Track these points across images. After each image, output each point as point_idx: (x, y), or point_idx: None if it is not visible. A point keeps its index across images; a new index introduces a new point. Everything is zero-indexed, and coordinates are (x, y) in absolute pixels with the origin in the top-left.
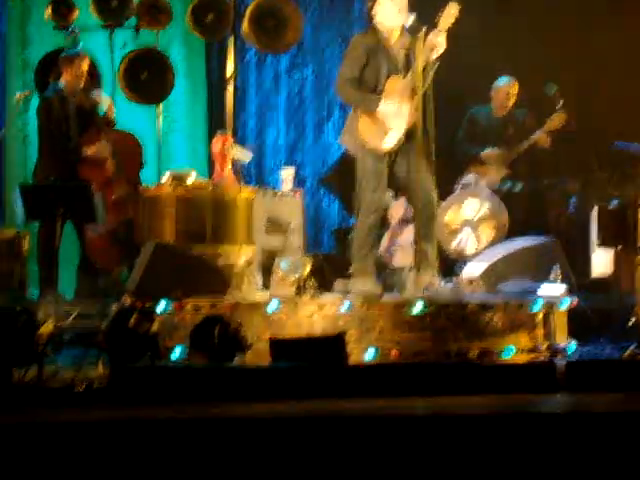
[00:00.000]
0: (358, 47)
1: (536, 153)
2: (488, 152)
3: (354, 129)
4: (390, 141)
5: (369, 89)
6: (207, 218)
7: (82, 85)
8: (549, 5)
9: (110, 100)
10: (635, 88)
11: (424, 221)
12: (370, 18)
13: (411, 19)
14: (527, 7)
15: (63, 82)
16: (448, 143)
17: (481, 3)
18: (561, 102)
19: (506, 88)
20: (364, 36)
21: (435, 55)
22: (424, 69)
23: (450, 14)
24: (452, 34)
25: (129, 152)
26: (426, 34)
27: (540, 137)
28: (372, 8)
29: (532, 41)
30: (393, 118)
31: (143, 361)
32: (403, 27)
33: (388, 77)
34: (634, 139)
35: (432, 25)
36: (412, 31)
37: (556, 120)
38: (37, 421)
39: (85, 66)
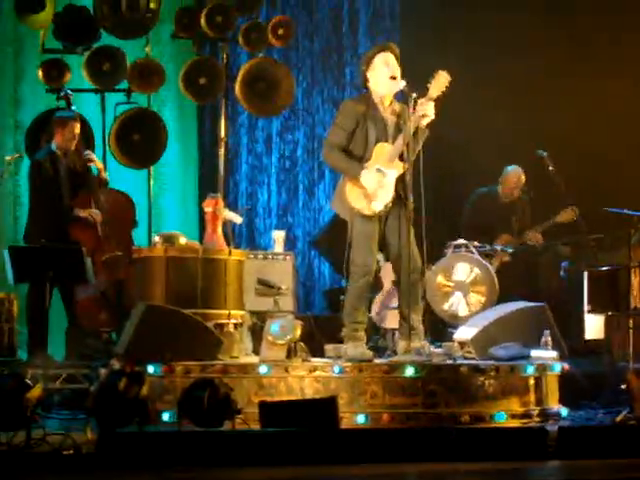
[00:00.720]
0: (347, 113)
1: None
2: (505, 239)
3: (343, 193)
4: (377, 205)
5: (358, 154)
6: (197, 281)
7: (74, 146)
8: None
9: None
10: (624, 152)
11: (409, 287)
12: (364, 83)
13: (403, 84)
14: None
15: (55, 144)
16: (436, 207)
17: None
18: (551, 167)
19: (514, 177)
20: (354, 101)
21: (425, 123)
22: (414, 136)
23: (440, 83)
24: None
25: (122, 212)
26: (415, 101)
27: (533, 236)
28: (366, 72)
29: (516, 106)
30: (378, 184)
31: (132, 425)
32: (396, 97)
33: (376, 143)
34: (623, 203)
35: (422, 93)
36: (403, 97)
37: (567, 215)
38: None
39: (77, 129)
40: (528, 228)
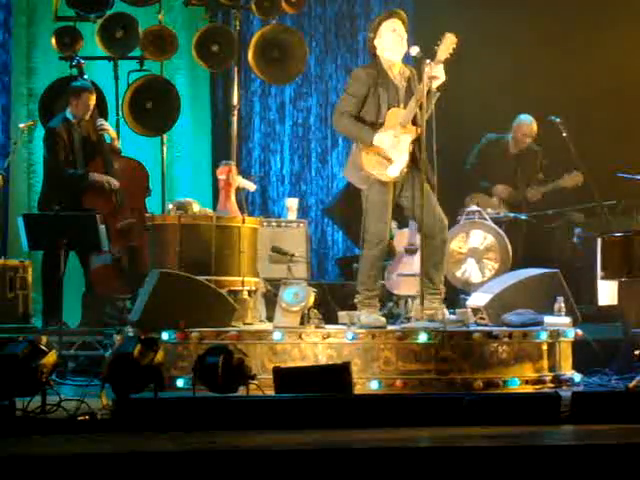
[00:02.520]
0: (357, 80)
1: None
2: (500, 189)
3: (357, 162)
4: (394, 170)
5: (370, 121)
6: (211, 248)
7: (88, 115)
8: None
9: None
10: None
11: (436, 248)
12: (372, 51)
13: (416, 51)
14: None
15: (70, 112)
16: (453, 168)
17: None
18: (564, 133)
19: (526, 127)
20: (365, 69)
21: (435, 85)
22: (426, 99)
23: (447, 45)
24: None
25: (135, 179)
26: (429, 66)
27: (533, 194)
28: (373, 40)
29: (532, 73)
30: (392, 149)
31: (146, 392)
32: (406, 60)
33: (389, 109)
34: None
35: (431, 56)
36: (416, 63)
37: (571, 180)
38: (39, 453)
39: (92, 100)
40: (535, 183)
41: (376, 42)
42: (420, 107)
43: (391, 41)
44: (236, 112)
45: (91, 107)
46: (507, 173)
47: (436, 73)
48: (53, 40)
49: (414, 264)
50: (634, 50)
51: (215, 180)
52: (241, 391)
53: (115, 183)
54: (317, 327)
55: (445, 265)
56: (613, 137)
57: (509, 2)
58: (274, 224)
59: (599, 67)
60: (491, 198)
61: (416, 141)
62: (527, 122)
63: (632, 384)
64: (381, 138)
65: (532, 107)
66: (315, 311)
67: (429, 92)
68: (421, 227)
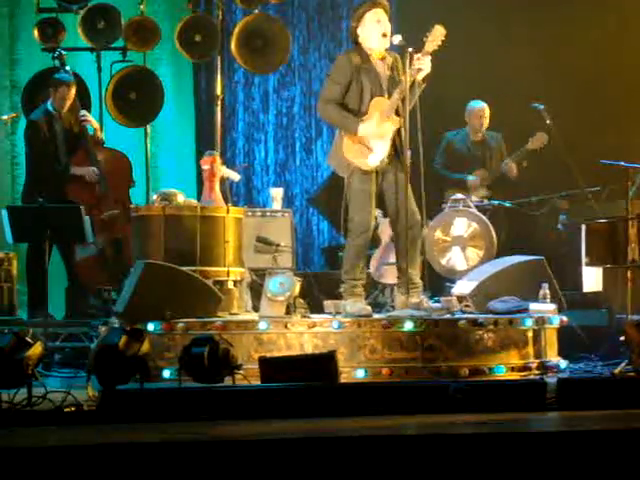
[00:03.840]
0: (341, 67)
1: (523, 172)
2: (472, 180)
3: (339, 149)
4: (374, 159)
5: (353, 109)
6: (196, 238)
7: (67, 108)
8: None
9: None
10: (622, 104)
11: (408, 243)
12: (354, 39)
13: (398, 39)
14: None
15: (51, 104)
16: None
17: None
18: (548, 120)
19: (479, 111)
20: (348, 56)
21: (421, 77)
22: (410, 90)
23: (436, 37)
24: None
25: (118, 170)
26: (412, 56)
27: (508, 167)
28: (356, 29)
29: (514, 59)
30: (375, 139)
31: (132, 383)
32: (388, 48)
33: (372, 97)
34: (620, 156)
35: (418, 47)
36: (399, 52)
37: (537, 141)
38: (26, 445)
39: (71, 92)
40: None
41: (359, 31)
42: (403, 98)
43: (375, 31)
44: (220, 102)
45: (69, 100)
46: (476, 159)
47: (422, 65)
48: (35, 32)
49: None
50: (617, 37)
51: (199, 170)
52: (227, 381)
53: (95, 175)
54: (303, 316)
55: (418, 259)
56: (596, 125)
57: None
58: (259, 214)
59: (582, 54)
60: (465, 190)
61: (398, 131)
62: (477, 106)
63: (617, 370)
64: (365, 128)
65: (516, 95)
66: (301, 300)
67: (414, 83)
68: (393, 221)
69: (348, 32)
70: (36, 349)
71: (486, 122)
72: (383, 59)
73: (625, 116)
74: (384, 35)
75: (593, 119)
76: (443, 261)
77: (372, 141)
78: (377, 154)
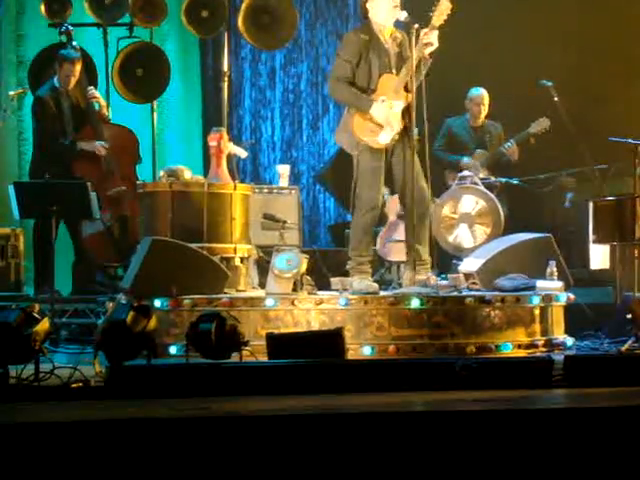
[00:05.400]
0: (350, 45)
1: (531, 150)
2: (466, 161)
3: (349, 127)
4: (385, 137)
5: (362, 86)
6: (203, 215)
7: (73, 84)
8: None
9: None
10: (627, 84)
11: (416, 220)
12: (364, 14)
13: (404, 16)
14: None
15: (58, 80)
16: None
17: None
18: (556, 97)
19: (478, 99)
20: (356, 33)
21: (428, 52)
22: (417, 66)
23: (442, 11)
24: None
25: (125, 147)
26: (418, 31)
27: (511, 150)
28: (365, 3)
29: (519, 39)
30: (386, 116)
31: (140, 359)
32: (396, 24)
33: (380, 75)
34: (627, 134)
35: (425, 22)
36: (405, 28)
37: (538, 126)
38: (34, 420)
39: (76, 69)
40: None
41: (368, 5)
42: (411, 75)
43: (384, 4)
44: (226, 78)
45: (74, 77)
46: (475, 143)
47: (430, 39)
48: (42, 7)
49: None
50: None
51: (206, 147)
52: (234, 357)
53: (103, 149)
54: (310, 293)
55: (427, 236)
56: (602, 101)
57: None
58: (265, 191)
59: (587, 33)
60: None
61: (407, 108)
62: (477, 93)
63: (624, 347)
64: (377, 109)
65: (522, 72)
66: (307, 278)
67: (421, 59)
68: (402, 198)
69: (357, 7)
70: (43, 325)
71: (485, 109)
72: (391, 35)
73: (629, 86)
74: (393, 8)
75: (598, 91)
76: (450, 238)
77: (382, 119)
78: (388, 132)
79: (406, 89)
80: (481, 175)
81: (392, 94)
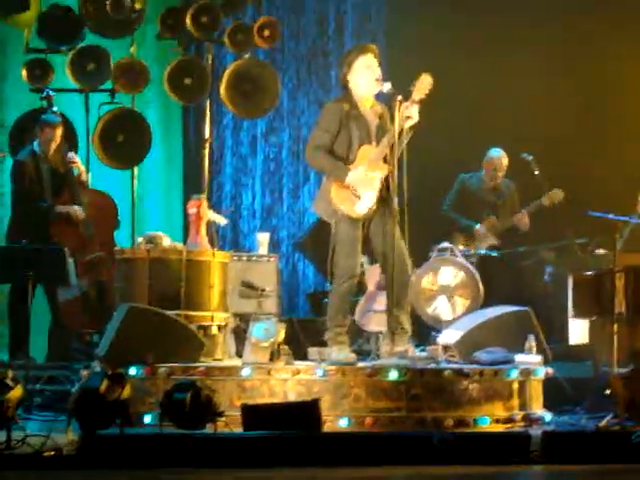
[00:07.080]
0: (330, 115)
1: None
2: (478, 228)
3: (327, 195)
4: (362, 207)
5: (341, 156)
6: (181, 282)
7: (53, 149)
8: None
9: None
10: (609, 156)
11: (397, 289)
12: (344, 85)
13: (387, 87)
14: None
15: (38, 144)
16: (429, 209)
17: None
18: (537, 171)
19: (497, 161)
20: (337, 103)
21: (408, 125)
22: (398, 138)
23: (423, 86)
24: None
25: (104, 212)
26: (401, 103)
27: (521, 218)
28: (347, 75)
29: (509, 111)
30: (363, 186)
31: (113, 427)
32: (377, 96)
33: (360, 145)
34: (608, 208)
35: (406, 95)
36: (388, 100)
37: (552, 197)
38: None
39: (57, 134)
40: (515, 212)
41: (349, 77)
42: (392, 146)
43: (365, 78)
44: (208, 145)
45: (55, 142)
46: (487, 205)
47: (410, 113)
48: (24, 72)
49: (385, 300)
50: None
51: (186, 214)
52: (209, 428)
53: (80, 213)
54: (287, 363)
55: (409, 305)
56: (582, 175)
57: (480, 37)
58: (244, 258)
59: (568, 104)
60: (474, 235)
61: (386, 178)
62: (497, 156)
63: (602, 424)
64: (354, 176)
65: (503, 143)
66: (285, 347)
67: (401, 131)
68: (384, 267)
69: (338, 79)
70: (16, 391)
71: (502, 171)
72: (372, 107)
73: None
74: (374, 80)
75: (579, 170)
76: (429, 310)
77: (360, 189)
78: (365, 202)
79: (385, 160)
80: (492, 242)
81: (371, 165)
